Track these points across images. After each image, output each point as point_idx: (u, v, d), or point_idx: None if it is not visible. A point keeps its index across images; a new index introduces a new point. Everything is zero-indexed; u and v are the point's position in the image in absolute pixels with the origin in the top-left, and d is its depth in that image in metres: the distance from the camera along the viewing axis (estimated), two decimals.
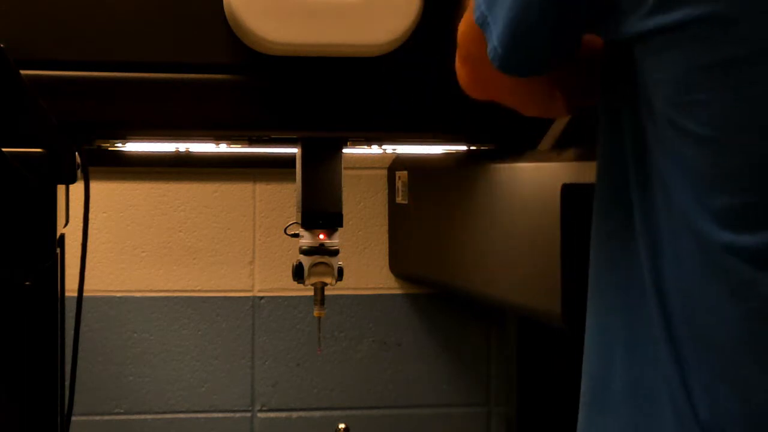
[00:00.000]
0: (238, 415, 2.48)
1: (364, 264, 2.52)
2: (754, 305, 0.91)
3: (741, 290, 0.92)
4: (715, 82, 0.90)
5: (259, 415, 2.48)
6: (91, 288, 2.34)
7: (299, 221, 1.86)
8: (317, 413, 2.50)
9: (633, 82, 0.99)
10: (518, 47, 1.03)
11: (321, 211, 1.85)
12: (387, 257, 2.52)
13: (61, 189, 1.56)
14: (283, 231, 1.93)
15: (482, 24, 1.05)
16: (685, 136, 0.93)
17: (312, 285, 1.89)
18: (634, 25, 0.95)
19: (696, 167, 0.93)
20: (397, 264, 2.50)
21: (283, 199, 2.47)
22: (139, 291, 2.45)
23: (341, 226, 1.86)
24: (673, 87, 0.93)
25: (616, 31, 0.98)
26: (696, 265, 0.94)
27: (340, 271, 1.87)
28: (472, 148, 1.97)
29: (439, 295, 2.51)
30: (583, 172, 1.53)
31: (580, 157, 1.57)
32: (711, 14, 0.89)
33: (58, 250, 1.60)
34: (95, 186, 1.71)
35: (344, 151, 1.87)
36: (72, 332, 1.70)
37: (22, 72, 1.50)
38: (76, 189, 1.65)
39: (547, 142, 1.75)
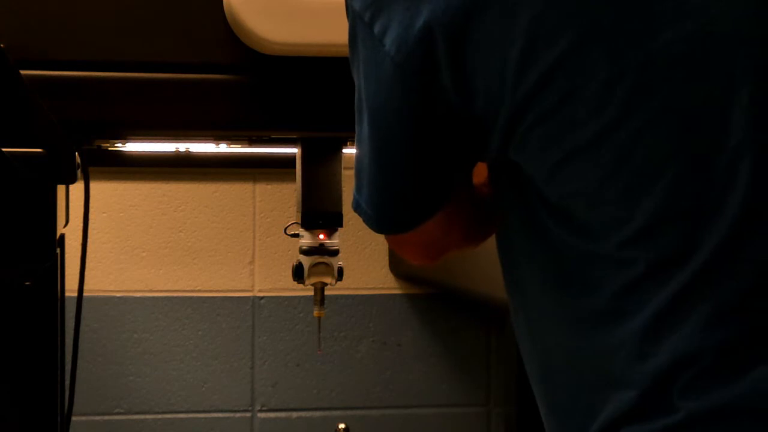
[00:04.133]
0: (238, 415, 2.48)
1: (364, 264, 2.52)
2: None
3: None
4: (587, 160, 0.95)
5: (259, 415, 2.48)
6: (91, 288, 2.34)
7: (299, 221, 1.86)
8: (317, 413, 2.50)
9: (512, 189, 1.04)
10: (388, 204, 1.08)
11: (321, 211, 1.85)
12: (387, 257, 2.52)
13: (61, 189, 1.56)
14: (283, 231, 1.93)
15: (356, 207, 1.10)
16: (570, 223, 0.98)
17: (312, 285, 1.89)
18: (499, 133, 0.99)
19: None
20: (397, 264, 2.50)
21: (283, 199, 2.47)
22: (139, 291, 2.45)
23: (341, 226, 1.86)
24: (548, 173, 0.98)
25: (488, 147, 1.01)
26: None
27: (340, 271, 1.87)
28: None
29: (439, 295, 2.51)
30: None
31: None
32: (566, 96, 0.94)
33: (58, 250, 1.60)
34: (95, 186, 1.71)
35: (344, 151, 1.87)
36: (72, 332, 1.70)
37: (22, 72, 1.50)
38: (76, 189, 1.65)
39: None
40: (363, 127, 1.06)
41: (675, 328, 0.94)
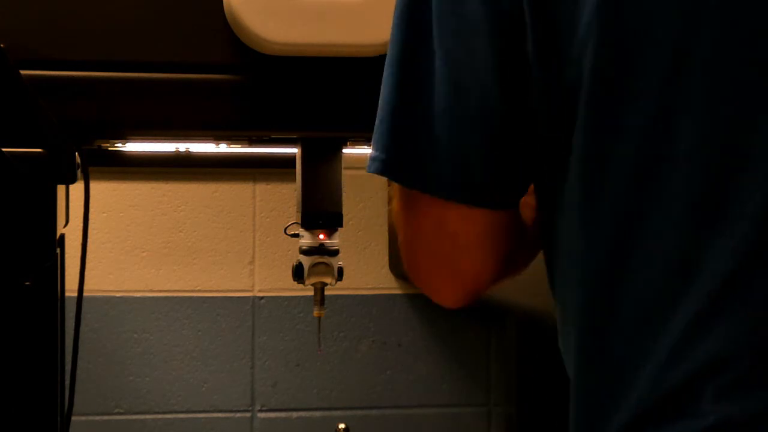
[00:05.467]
0: (238, 415, 2.47)
1: (364, 264, 2.52)
2: None
3: None
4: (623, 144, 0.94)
5: (259, 415, 2.48)
6: (91, 288, 2.34)
7: (299, 221, 1.86)
8: (317, 413, 2.50)
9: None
10: (470, 149, 1.01)
11: (321, 211, 1.85)
12: (387, 257, 2.52)
13: (61, 189, 1.56)
14: (283, 231, 1.93)
15: (390, 168, 1.04)
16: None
17: (312, 285, 1.89)
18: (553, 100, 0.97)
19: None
20: (397, 264, 2.50)
21: (283, 199, 2.47)
22: (139, 291, 2.45)
23: (341, 226, 1.86)
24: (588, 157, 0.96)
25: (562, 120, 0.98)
26: None
27: (340, 271, 1.87)
28: None
29: None
30: None
31: None
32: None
33: (58, 250, 1.60)
34: (95, 186, 1.71)
35: (344, 151, 1.87)
36: (72, 332, 1.70)
37: (22, 72, 1.50)
38: (76, 189, 1.65)
39: None
40: (434, 68, 1.00)
41: (709, 331, 0.92)
